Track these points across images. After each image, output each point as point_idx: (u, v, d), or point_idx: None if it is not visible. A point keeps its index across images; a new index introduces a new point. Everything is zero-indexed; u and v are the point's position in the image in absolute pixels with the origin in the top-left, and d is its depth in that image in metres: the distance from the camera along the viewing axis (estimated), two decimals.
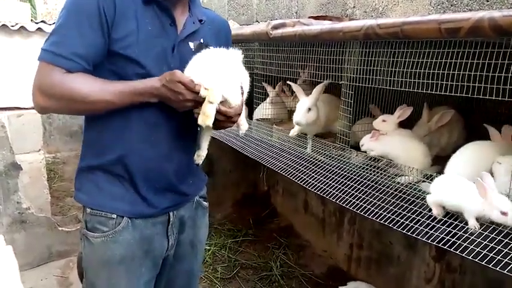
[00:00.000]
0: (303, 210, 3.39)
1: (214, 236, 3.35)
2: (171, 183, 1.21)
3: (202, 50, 1.17)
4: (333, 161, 1.52)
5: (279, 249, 3.18)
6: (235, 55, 1.18)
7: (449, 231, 1.03)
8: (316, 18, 1.78)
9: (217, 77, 1.07)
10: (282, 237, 3.34)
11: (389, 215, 1.14)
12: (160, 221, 1.23)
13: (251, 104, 2.28)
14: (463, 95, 1.03)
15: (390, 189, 1.28)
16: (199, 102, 1.06)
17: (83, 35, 1.04)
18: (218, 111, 1.07)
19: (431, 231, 1.05)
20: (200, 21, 1.23)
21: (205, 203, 1.39)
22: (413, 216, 1.12)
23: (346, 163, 1.49)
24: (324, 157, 1.58)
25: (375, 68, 1.32)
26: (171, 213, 1.24)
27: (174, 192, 1.23)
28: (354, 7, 2.30)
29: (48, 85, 1.04)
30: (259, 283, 2.77)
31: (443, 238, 1.01)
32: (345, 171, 1.41)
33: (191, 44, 1.19)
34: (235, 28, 2.41)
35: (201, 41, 1.22)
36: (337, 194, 1.28)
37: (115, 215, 1.15)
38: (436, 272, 2.19)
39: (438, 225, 1.07)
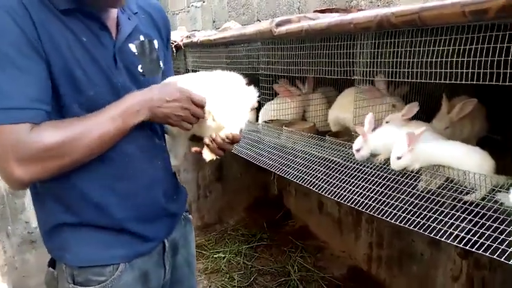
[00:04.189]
0: (318, 211, 3.30)
1: (229, 242, 3.28)
2: (161, 208, 1.11)
3: (146, 48, 1.03)
4: (348, 162, 1.43)
5: (295, 252, 3.10)
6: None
7: (476, 231, 0.93)
8: (322, 11, 1.69)
9: (235, 114, 1.09)
10: (298, 239, 3.26)
11: (409, 216, 1.04)
12: (157, 252, 1.13)
13: (257, 105, 2.19)
14: (486, 82, 0.94)
15: (412, 188, 1.19)
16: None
17: (22, 69, 0.80)
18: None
19: (456, 232, 0.95)
20: (135, 13, 1.04)
21: (190, 216, 1.33)
22: (436, 216, 1.02)
23: (363, 163, 1.41)
24: (339, 158, 1.49)
25: (389, 60, 1.23)
26: (165, 240, 1.15)
27: (165, 216, 1.13)
28: None
29: (26, 149, 0.80)
30: None
31: (469, 239, 0.92)
32: (361, 173, 1.33)
33: (132, 46, 1.01)
34: (237, 28, 2.33)
35: (141, 38, 1.03)
36: (352, 197, 1.20)
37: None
38: (464, 269, 2.09)
39: (463, 225, 0.97)
